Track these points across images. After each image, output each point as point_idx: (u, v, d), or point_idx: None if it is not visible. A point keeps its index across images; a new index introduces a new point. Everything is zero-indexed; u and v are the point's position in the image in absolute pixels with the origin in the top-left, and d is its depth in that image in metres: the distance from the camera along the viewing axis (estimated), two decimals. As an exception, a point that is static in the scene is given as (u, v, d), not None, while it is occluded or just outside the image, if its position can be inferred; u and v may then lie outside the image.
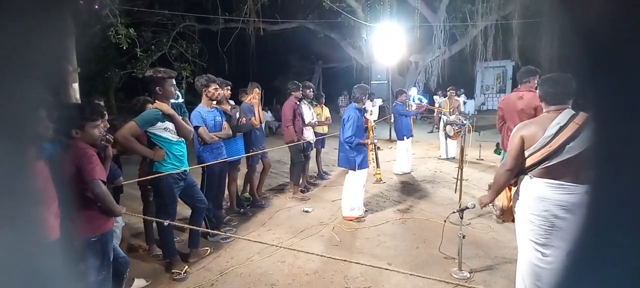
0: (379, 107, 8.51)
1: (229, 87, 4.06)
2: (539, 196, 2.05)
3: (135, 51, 9.21)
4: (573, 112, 1.98)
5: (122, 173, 2.64)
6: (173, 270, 2.89)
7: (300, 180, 5.30)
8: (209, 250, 3.26)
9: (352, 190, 4.01)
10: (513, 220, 2.31)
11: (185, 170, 2.89)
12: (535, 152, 2.02)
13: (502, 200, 2.36)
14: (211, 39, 11.69)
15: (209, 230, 3.42)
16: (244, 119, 4.03)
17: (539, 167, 2.02)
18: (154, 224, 3.19)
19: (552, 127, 1.97)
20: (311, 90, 5.32)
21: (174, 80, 2.76)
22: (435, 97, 12.52)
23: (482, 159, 6.95)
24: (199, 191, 3.12)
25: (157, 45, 10.50)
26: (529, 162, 2.06)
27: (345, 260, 2.91)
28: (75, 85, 2.18)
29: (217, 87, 3.45)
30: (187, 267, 2.94)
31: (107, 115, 2.14)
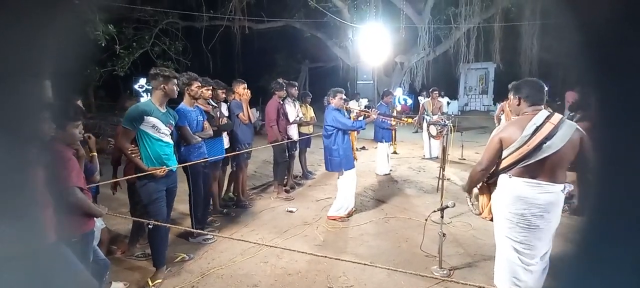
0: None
1: (224, 90, 4.13)
2: (517, 195, 2.10)
3: (115, 48, 8.96)
4: (548, 112, 2.05)
5: (97, 168, 2.57)
6: (148, 279, 2.78)
7: (285, 180, 5.28)
8: (184, 257, 3.17)
9: (343, 191, 4.03)
10: (492, 219, 2.37)
11: (171, 169, 2.84)
12: (514, 151, 2.07)
13: (481, 199, 2.41)
14: (195, 36, 11.47)
15: (193, 230, 3.36)
16: (224, 118, 3.98)
17: (517, 166, 2.08)
18: (146, 228, 3.08)
19: (529, 127, 2.03)
20: (295, 88, 5.32)
21: (176, 81, 2.85)
22: (419, 97, 12.71)
23: (464, 159, 7.10)
24: (170, 204, 3.02)
25: (139, 43, 10.25)
26: (508, 161, 2.11)
27: (328, 257, 2.91)
28: (48, 83, 2.11)
29: (200, 84, 3.39)
30: (159, 280, 2.81)
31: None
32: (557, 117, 2.02)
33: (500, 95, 11.95)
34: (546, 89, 2.13)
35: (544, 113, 2.05)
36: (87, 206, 1.99)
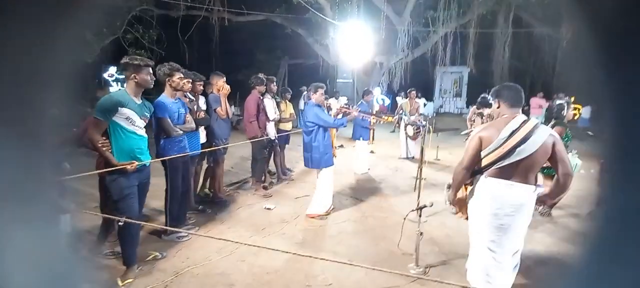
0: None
1: (202, 82, 3.99)
2: (491, 195, 2.18)
3: (84, 33, 8.45)
4: (525, 117, 2.15)
5: (63, 159, 2.40)
6: (118, 278, 2.65)
7: (263, 177, 5.20)
8: (156, 255, 3.05)
9: (322, 189, 4.02)
10: (467, 218, 2.45)
11: (144, 164, 2.70)
12: (491, 152, 2.16)
13: (458, 198, 2.49)
14: (171, 25, 11.05)
15: (166, 228, 3.23)
16: (202, 113, 3.85)
17: (493, 167, 2.16)
18: (116, 225, 2.92)
19: (505, 130, 2.11)
20: (274, 84, 5.25)
21: (150, 69, 2.68)
22: (397, 98, 12.94)
23: (439, 159, 7.30)
24: (142, 200, 2.89)
25: (110, 29, 9.72)
26: (485, 162, 2.20)
27: (306, 256, 2.89)
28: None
29: (182, 76, 3.25)
30: (130, 280, 2.69)
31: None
32: (532, 122, 2.12)
33: (472, 99, 12.44)
34: (522, 92, 2.22)
35: (520, 118, 2.14)
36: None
